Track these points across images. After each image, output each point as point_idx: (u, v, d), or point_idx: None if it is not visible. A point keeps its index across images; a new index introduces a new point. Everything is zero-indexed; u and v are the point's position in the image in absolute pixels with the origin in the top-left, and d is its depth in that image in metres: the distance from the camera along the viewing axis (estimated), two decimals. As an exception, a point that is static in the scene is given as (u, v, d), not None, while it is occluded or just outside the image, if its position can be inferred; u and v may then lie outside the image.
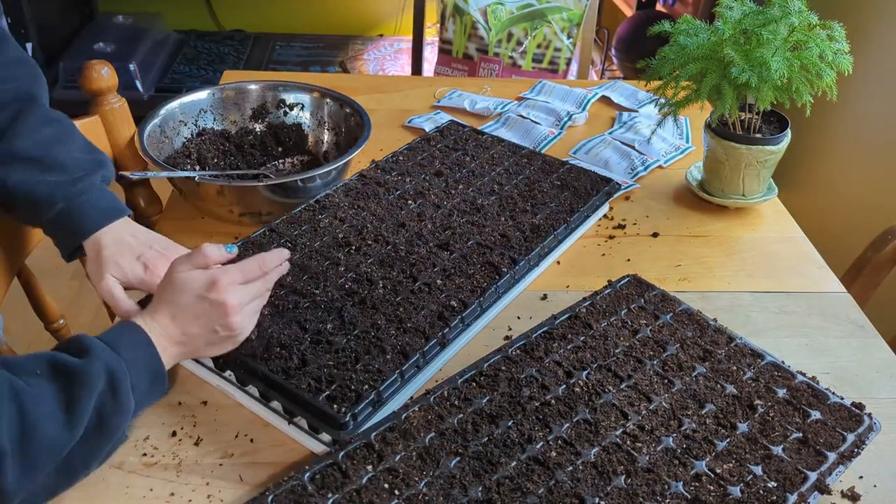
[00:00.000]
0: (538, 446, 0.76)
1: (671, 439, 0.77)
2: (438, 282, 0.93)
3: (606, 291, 0.97)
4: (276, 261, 0.83)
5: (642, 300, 0.96)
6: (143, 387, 0.73)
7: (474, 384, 0.82)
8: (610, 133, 1.37)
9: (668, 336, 0.90)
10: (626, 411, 0.80)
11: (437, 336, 0.86)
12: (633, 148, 1.32)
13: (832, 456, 0.77)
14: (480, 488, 0.72)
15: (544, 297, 1.00)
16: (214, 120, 1.23)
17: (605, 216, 1.16)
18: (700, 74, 1.07)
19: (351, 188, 1.10)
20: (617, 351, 0.88)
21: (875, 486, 0.78)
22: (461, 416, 0.78)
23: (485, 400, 0.80)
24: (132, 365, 0.72)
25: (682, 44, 1.09)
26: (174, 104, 1.18)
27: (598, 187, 1.12)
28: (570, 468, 0.74)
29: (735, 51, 1.03)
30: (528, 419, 0.79)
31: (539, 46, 2.18)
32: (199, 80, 2.86)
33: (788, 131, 1.14)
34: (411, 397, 0.84)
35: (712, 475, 0.74)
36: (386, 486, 0.71)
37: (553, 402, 0.81)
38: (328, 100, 1.24)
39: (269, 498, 0.70)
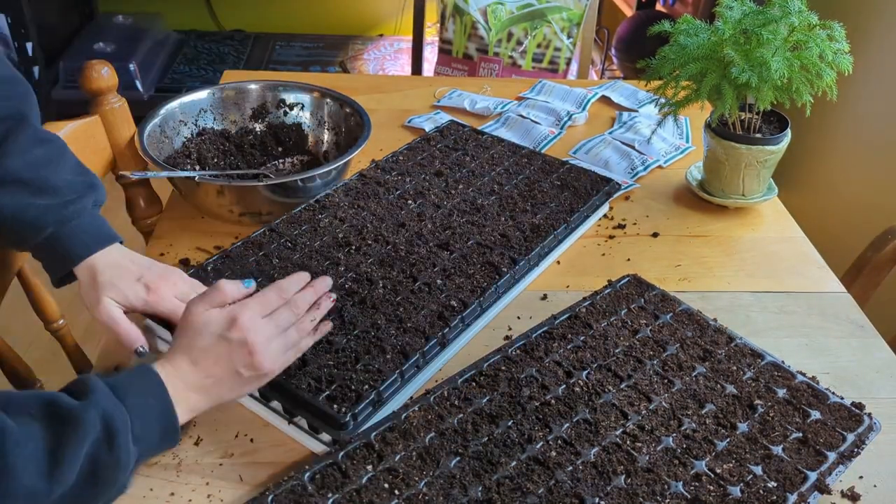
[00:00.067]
0: (538, 446, 0.76)
1: (671, 439, 0.77)
2: (438, 282, 0.93)
3: (606, 291, 0.97)
4: (297, 285, 0.79)
5: (642, 300, 0.96)
6: (150, 438, 0.68)
7: (474, 384, 0.82)
8: (610, 133, 1.37)
9: (668, 336, 0.90)
10: (626, 411, 0.80)
11: (437, 336, 0.86)
12: (633, 148, 1.32)
13: (832, 456, 0.77)
14: (480, 488, 0.72)
15: (544, 297, 1.00)
16: (214, 120, 1.23)
17: (605, 216, 1.16)
18: (700, 74, 1.07)
19: (351, 188, 1.10)
20: (617, 351, 0.88)
21: (875, 486, 0.78)
22: (461, 416, 0.78)
23: (485, 400, 0.80)
24: (138, 413, 0.67)
25: (682, 44, 1.09)
26: (174, 104, 1.18)
27: (598, 187, 1.12)
28: (570, 468, 0.74)
29: (735, 51, 1.03)
30: (528, 419, 0.79)
31: (539, 46, 2.18)
32: (199, 80, 2.86)
33: (788, 131, 1.14)
34: (411, 397, 0.84)
35: (712, 475, 0.74)
36: (386, 486, 0.71)
37: (553, 401, 0.81)
38: (328, 100, 1.24)
39: (269, 498, 0.70)
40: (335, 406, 0.76)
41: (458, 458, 0.74)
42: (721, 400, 0.82)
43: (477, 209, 1.07)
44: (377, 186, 1.11)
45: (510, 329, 0.95)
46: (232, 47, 3.09)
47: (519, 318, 0.97)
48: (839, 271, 1.11)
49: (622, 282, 0.99)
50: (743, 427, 0.79)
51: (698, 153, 1.32)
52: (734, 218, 1.18)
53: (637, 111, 1.44)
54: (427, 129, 1.32)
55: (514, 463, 0.74)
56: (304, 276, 0.81)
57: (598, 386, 0.83)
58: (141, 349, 0.81)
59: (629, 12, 2.80)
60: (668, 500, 0.72)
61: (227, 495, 0.74)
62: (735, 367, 0.87)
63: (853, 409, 0.83)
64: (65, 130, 1.07)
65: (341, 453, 0.74)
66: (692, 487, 0.73)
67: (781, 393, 0.84)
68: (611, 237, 1.12)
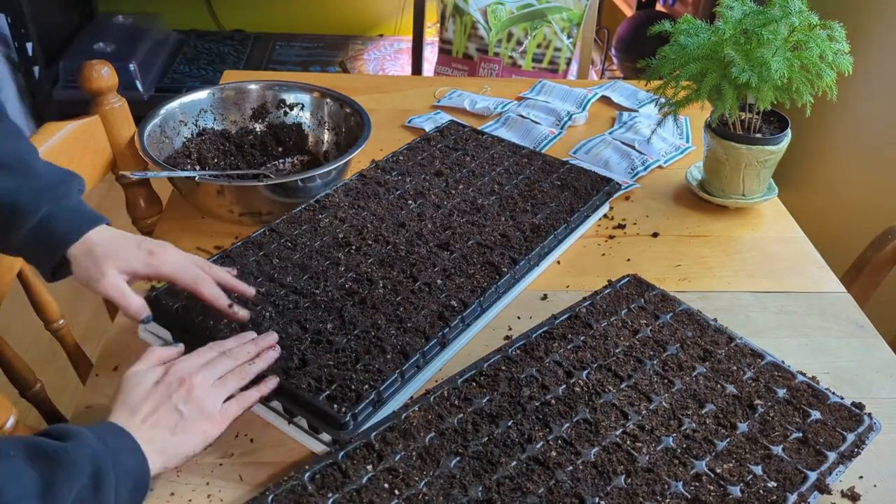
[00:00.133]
0: (538, 446, 0.76)
1: (671, 439, 0.77)
2: (438, 282, 0.93)
3: (606, 291, 0.97)
4: (237, 341, 0.80)
5: (642, 300, 0.96)
6: (124, 493, 0.66)
7: (474, 384, 0.82)
8: (610, 133, 1.37)
9: (668, 336, 0.90)
10: (626, 411, 0.80)
11: (437, 336, 0.86)
12: (633, 148, 1.32)
13: (832, 456, 0.77)
14: (480, 488, 0.72)
15: (544, 297, 1.00)
16: (214, 120, 1.23)
17: (605, 216, 1.16)
18: (700, 74, 1.07)
19: (351, 188, 1.10)
20: (617, 351, 0.88)
21: (875, 486, 0.78)
22: (461, 415, 0.78)
23: (485, 400, 0.80)
24: (118, 465, 0.65)
25: (683, 44, 1.09)
26: (174, 104, 1.18)
27: (598, 187, 1.12)
28: (570, 468, 0.74)
29: (735, 51, 1.03)
30: (528, 419, 0.79)
31: (539, 46, 2.18)
32: (199, 80, 2.86)
33: (788, 131, 1.14)
34: (411, 397, 0.84)
35: (712, 475, 0.74)
36: (386, 485, 0.71)
37: (553, 401, 0.81)
38: (328, 100, 1.24)
39: (269, 498, 0.70)
40: (335, 406, 0.76)
41: (458, 458, 0.74)
42: (721, 400, 0.82)
43: (477, 209, 1.07)
44: (377, 186, 1.11)
45: (510, 329, 0.95)
46: (232, 47, 3.09)
47: (519, 318, 0.97)
48: (839, 271, 1.11)
49: (622, 282, 0.99)
50: (743, 427, 0.79)
51: (698, 153, 1.32)
52: (734, 218, 1.18)
53: (637, 111, 1.44)
54: (427, 129, 1.32)
55: (514, 463, 0.74)
56: (248, 334, 0.82)
57: (599, 386, 0.83)
58: (145, 318, 0.81)
59: (629, 12, 2.80)
60: (668, 500, 0.72)
61: (227, 495, 0.74)
62: (735, 367, 0.87)
63: (853, 409, 0.83)
64: (65, 130, 1.07)
65: (341, 453, 0.74)
66: (692, 487, 0.73)
67: (781, 393, 0.84)
68: (611, 237, 1.12)
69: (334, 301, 0.89)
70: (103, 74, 1.10)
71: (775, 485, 0.74)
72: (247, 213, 1.07)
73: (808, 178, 1.97)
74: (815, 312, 1.01)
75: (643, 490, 0.72)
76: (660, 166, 1.29)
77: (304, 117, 1.25)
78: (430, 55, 2.62)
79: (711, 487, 0.73)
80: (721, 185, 1.17)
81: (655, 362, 0.87)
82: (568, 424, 0.78)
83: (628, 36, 2.54)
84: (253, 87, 1.25)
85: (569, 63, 2.19)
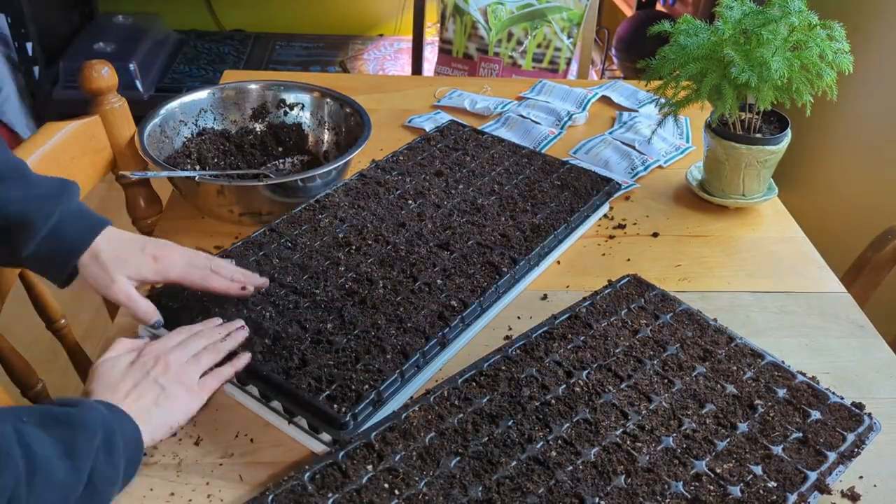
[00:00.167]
0: (538, 446, 0.76)
1: (671, 439, 0.77)
2: (438, 282, 0.93)
3: (606, 291, 0.97)
4: (206, 325, 0.82)
5: (642, 300, 0.96)
6: (123, 462, 0.67)
7: (474, 384, 0.82)
8: (610, 133, 1.37)
9: (668, 336, 0.90)
10: (626, 411, 0.80)
11: (438, 336, 0.86)
12: (633, 148, 1.32)
13: (832, 456, 0.77)
14: (480, 488, 0.72)
15: (544, 297, 1.00)
16: (214, 120, 1.23)
17: (605, 216, 1.16)
18: (700, 74, 1.07)
19: (351, 188, 1.10)
20: (617, 351, 0.88)
21: (875, 486, 0.78)
22: (461, 415, 0.78)
23: (485, 400, 0.80)
24: (122, 432, 0.67)
25: (683, 44, 1.09)
26: (174, 104, 1.18)
27: (598, 187, 1.12)
28: (570, 468, 0.74)
29: (735, 51, 1.03)
30: (528, 419, 0.79)
31: (539, 46, 2.18)
32: (199, 79, 2.86)
33: (788, 131, 1.14)
34: (411, 397, 0.84)
35: (712, 475, 0.74)
36: (386, 485, 0.71)
37: (553, 401, 0.81)
38: (328, 99, 1.24)
39: (269, 498, 0.70)
40: (335, 406, 0.76)
41: (458, 458, 0.74)
42: (721, 400, 0.82)
43: (477, 209, 1.07)
44: (377, 186, 1.11)
45: (510, 329, 0.95)
46: (232, 47, 3.09)
47: (519, 318, 0.97)
48: (839, 271, 1.11)
49: (622, 282, 0.99)
50: (743, 427, 0.79)
51: (698, 153, 1.32)
52: (734, 218, 1.18)
53: (637, 111, 1.44)
54: (427, 129, 1.32)
55: (514, 463, 0.74)
56: (215, 319, 0.84)
57: (599, 386, 0.83)
58: (156, 322, 0.83)
59: (629, 12, 2.80)
60: (668, 500, 0.72)
61: (227, 495, 0.74)
62: (735, 367, 0.87)
63: (853, 409, 0.83)
64: (65, 130, 1.07)
65: (341, 453, 0.74)
66: (692, 487, 0.73)
67: (781, 393, 0.84)
68: (611, 237, 1.12)
69: (334, 301, 0.89)
70: (103, 74, 1.10)
71: (775, 485, 0.74)
72: (247, 213, 1.07)
73: (808, 178, 1.97)
74: (815, 312, 1.01)
75: (643, 490, 0.72)
76: (660, 166, 1.29)
77: (304, 117, 1.25)
78: (430, 55, 2.62)
79: (711, 487, 0.73)
80: (721, 185, 1.17)
81: (655, 362, 0.87)
82: (568, 424, 0.78)
83: (628, 36, 2.55)
84: (253, 86, 1.25)
85: (569, 63, 2.19)
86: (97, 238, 0.82)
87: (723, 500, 0.72)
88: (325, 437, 0.77)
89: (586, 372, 0.85)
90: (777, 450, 0.77)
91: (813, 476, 0.75)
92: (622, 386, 0.83)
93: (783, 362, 0.88)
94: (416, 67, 2.36)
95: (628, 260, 1.08)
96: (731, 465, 0.75)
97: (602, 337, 0.90)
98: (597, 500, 0.71)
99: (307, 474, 0.72)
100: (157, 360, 0.75)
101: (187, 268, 0.85)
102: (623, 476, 0.74)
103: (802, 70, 1.05)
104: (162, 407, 0.73)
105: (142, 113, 1.15)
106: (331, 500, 0.70)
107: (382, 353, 0.83)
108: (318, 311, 0.88)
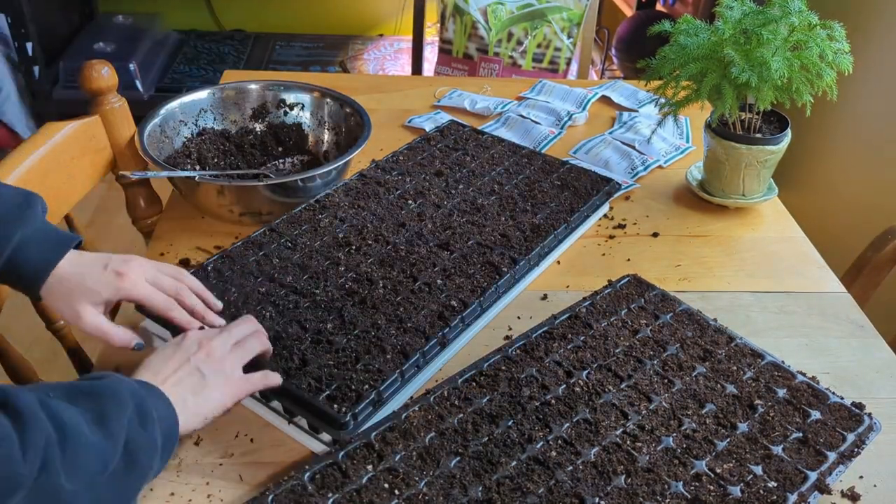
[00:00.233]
0: (538, 446, 0.76)
1: (671, 439, 0.77)
2: (438, 282, 0.93)
3: (606, 291, 0.97)
4: (218, 320, 0.82)
5: (642, 300, 0.96)
6: (159, 437, 0.66)
7: (474, 384, 0.82)
8: (610, 133, 1.37)
9: (668, 336, 0.90)
10: (626, 411, 0.80)
11: (438, 336, 0.86)
12: (633, 148, 1.32)
13: (832, 456, 0.77)
14: (480, 488, 0.72)
15: (544, 297, 1.00)
16: (214, 120, 1.23)
17: (605, 216, 1.16)
18: (700, 74, 1.07)
19: (351, 188, 1.10)
20: (617, 351, 0.88)
21: (875, 486, 0.78)
22: (461, 415, 0.78)
23: (485, 400, 0.80)
24: (154, 406, 0.66)
25: (683, 44, 1.09)
26: (174, 104, 1.18)
27: (598, 187, 1.12)
28: (570, 468, 0.74)
29: (735, 51, 1.03)
30: (528, 419, 0.79)
31: (539, 46, 2.18)
32: (199, 79, 2.86)
33: (788, 131, 1.14)
34: (411, 397, 0.84)
35: (712, 475, 0.74)
36: (386, 485, 0.71)
37: (553, 401, 0.81)
38: (328, 99, 1.24)
39: (269, 498, 0.70)
40: (335, 406, 0.76)
41: (458, 458, 0.74)
42: (721, 400, 0.82)
43: (477, 209, 1.07)
44: (377, 186, 1.11)
45: (510, 329, 0.95)
46: (232, 47, 3.09)
47: (519, 318, 0.97)
48: (839, 271, 1.11)
49: (622, 282, 0.99)
50: (743, 427, 0.79)
51: (698, 153, 1.32)
52: (734, 218, 1.18)
53: (637, 111, 1.44)
54: (427, 129, 1.32)
55: (514, 463, 0.74)
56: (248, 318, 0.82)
57: (599, 386, 0.83)
58: (136, 345, 0.80)
59: (629, 12, 2.80)
60: (668, 500, 0.72)
61: (227, 495, 0.74)
62: (735, 367, 0.87)
63: (853, 409, 0.83)
64: (65, 130, 1.07)
65: (341, 453, 0.74)
66: (692, 487, 0.73)
67: (781, 393, 0.84)
68: (611, 237, 1.12)
69: (334, 301, 0.89)
70: (103, 74, 1.10)
71: (775, 485, 0.74)
72: (247, 213, 1.07)
73: (808, 178, 1.97)
74: (815, 312, 1.01)
75: (643, 490, 0.72)
76: (660, 166, 1.29)
77: (304, 117, 1.25)
78: (430, 55, 2.62)
79: (711, 487, 0.73)
80: (721, 185, 1.17)
81: (655, 362, 0.87)
82: (568, 424, 0.78)
83: (628, 36, 2.54)
84: (253, 86, 1.25)
85: (569, 63, 2.19)
86: (61, 262, 0.77)
87: (723, 500, 0.72)
88: (325, 437, 0.77)
89: (586, 372, 0.85)
90: (777, 450, 0.77)
91: (813, 476, 0.75)
92: (622, 386, 0.83)
93: (783, 362, 0.88)
94: (416, 67, 2.36)
95: (628, 260, 1.08)
96: (731, 465, 0.75)
97: (602, 337, 0.90)
98: (597, 500, 0.71)
99: (307, 474, 0.72)
100: (200, 345, 0.73)
101: (151, 291, 0.80)
102: (623, 476, 0.74)
103: (802, 70, 1.05)
104: (199, 396, 0.71)
105: (142, 113, 1.15)
106: (331, 500, 0.70)
107: (382, 353, 0.83)
108: (318, 311, 0.88)
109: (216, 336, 0.76)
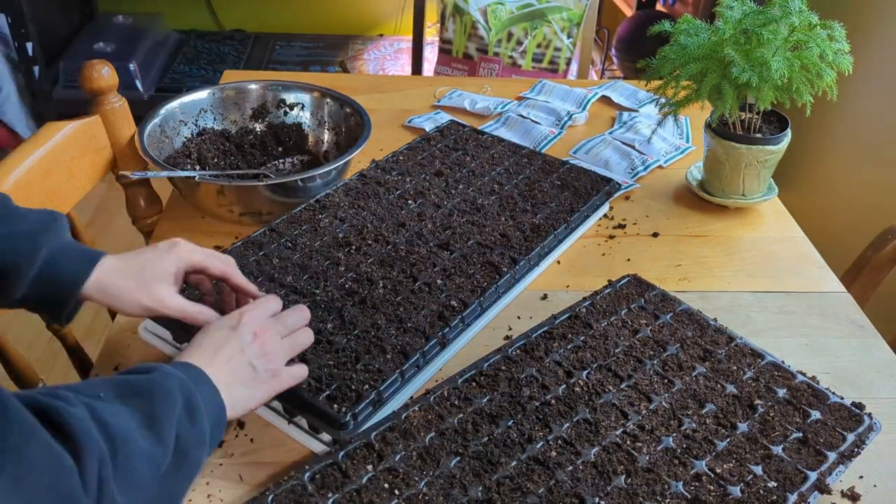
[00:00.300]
0: (538, 446, 0.76)
1: (671, 439, 0.77)
2: (438, 281, 0.93)
3: (606, 291, 0.97)
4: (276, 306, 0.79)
5: (642, 300, 0.96)
6: (207, 426, 0.65)
7: (474, 384, 0.82)
8: (610, 133, 1.37)
9: (668, 336, 0.90)
10: (626, 411, 0.80)
11: (438, 336, 0.86)
12: (633, 148, 1.32)
13: (832, 456, 0.77)
14: (480, 488, 0.72)
15: (544, 297, 1.00)
16: (214, 120, 1.23)
17: (605, 216, 1.16)
18: (700, 74, 1.07)
19: (351, 188, 1.10)
20: (617, 351, 0.88)
21: (875, 486, 0.78)
22: (461, 415, 0.78)
23: (485, 400, 0.80)
24: (202, 395, 0.66)
25: (683, 43, 1.09)
26: (174, 104, 1.18)
27: (598, 187, 1.12)
28: (570, 468, 0.74)
29: (735, 50, 1.03)
30: (528, 419, 0.79)
31: (539, 46, 2.18)
32: (199, 79, 2.86)
33: (788, 131, 1.14)
34: (411, 397, 0.84)
35: (712, 475, 0.74)
36: (386, 485, 0.71)
37: (553, 401, 0.81)
38: (328, 99, 1.24)
39: (269, 498, 0.70)
40: (335, 406, 0.76)
41: (458, 458, 0.74)
42: (721, 400, 0.82)
43: (477, 209, 1.07)
44: (377, 186, 1.11)
45: (510, 329, 0.95)
46: (232, 47, 3.09)
47: (519, 318, 0.97)
48: (839, 271, 1.11)
49: (622, 282, 0.99)
50: (743, 427, 0.79)
51: (698, 153, 1.32)
52: (734, 218, 1.18)
53: (637, 111, 1.44)
54: (427, 129, 1.32)
55: (514, 463, 0.74)
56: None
57: (599, 386, 0.83)
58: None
59: (629, 12, 2.80)
60: (668, 500, 0.72)
61: (227, 495, 0.74)
62: (735, 367, 0.87)
63: (853, 409, 0.83)
64: (65, 130, 1.07)
65: (341, 453, 0.74)
66: (692, 487, 0.73)
67: (781, 393, 0.84)
68: (611, 237, 1.12)
69: (334, 301, 0.89)
70: (103, 74, 1.10)
71: (775, 485, 0.74)
72: (247, 213, 1.07)
73: (808, 178, 1.97)
74: (815, 312, 1.01)
75: (643, 490, 0.72)
76: (660, 166, 1.29)
77: (304, 117, 1.25)
78: (430, 55, 2.62)
79: (711, 487, 0.73)
80: (721, 185, 1.17)
81: (655, 362, 0.87)
82: (568, 424, 0.78)
83: (628, 36, 2.54)
84: (253, 86, 1.25)
85: (569, 63, 2.19)
86: (96, 267, 0.75)
87: (723, 500, 0.72)
88: (325, 437, 0.77)
89: (586, 372, 0.85)
90: (777, 450, 0.77)
91: (813, 476, 0.75)
92: (622, 386, 0.83)
93: (783, 362, 0.88)
94: (416, 67, 2.36)
95: (628, 260, 1.08)
96: (731, 465, 0.75)
97: (602, 337, 0.90)
98: (597, 500, 0.71)
99: (307, 474, 0.72)
100: (254, 337, 0.73)
101: (210, 253, 0.80)
102: (623, 476, 0.74)
103: (802, 70, 1.05)
104: (248, 388, 0.72)
105: (142, 113, 1.15)
106: (331, 500, 0.70)
107: (382, 353, 0.83)
108: (318, 311, 0.88)
109: (271, 326, 0.75)
